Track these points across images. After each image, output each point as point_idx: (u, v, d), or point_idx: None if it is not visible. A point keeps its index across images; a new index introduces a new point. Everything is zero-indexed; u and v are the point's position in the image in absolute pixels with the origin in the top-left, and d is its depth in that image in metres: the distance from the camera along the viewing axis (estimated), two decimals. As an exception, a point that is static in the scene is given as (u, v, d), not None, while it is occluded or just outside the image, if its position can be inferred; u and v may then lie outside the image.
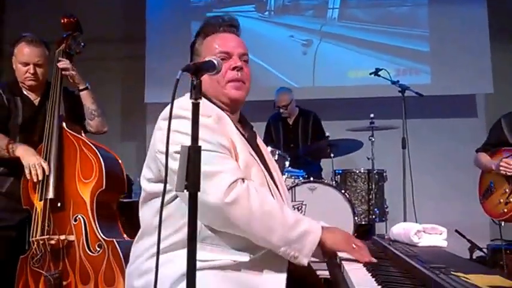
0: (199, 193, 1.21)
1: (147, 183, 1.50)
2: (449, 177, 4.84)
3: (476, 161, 3.09)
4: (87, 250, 2.46)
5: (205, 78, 1.34)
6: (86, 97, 2.66)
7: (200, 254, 1.28)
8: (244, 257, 1.41)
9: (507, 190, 2.84)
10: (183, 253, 1.14)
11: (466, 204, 4.75)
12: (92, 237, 2.48)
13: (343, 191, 3.49)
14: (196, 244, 1.12)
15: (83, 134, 2.66)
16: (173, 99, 1.16)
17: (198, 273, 1.21)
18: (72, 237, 2.48)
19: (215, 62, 1.24)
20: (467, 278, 1.10)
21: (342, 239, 1.45)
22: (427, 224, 1.70)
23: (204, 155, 1.13)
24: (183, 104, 1.33)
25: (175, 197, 1.42)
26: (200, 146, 1.12)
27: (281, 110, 4.27)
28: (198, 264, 1.21)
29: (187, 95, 1.41)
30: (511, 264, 3.72)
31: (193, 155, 1.08)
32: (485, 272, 1.21)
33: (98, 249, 2.46)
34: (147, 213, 1.51)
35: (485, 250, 3.98)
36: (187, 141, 1.12)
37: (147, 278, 1.42)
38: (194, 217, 1.10)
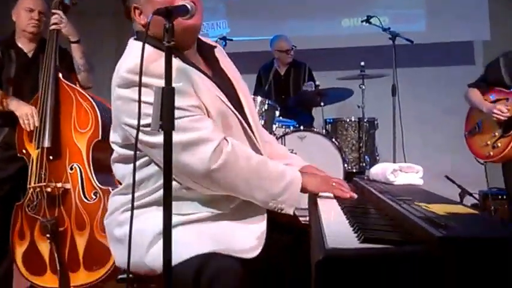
0: (180, 167, 1.28)
1: (117, 147, 1.51)
2: (443, 125, 4.90)
3: (467, 97, 3.06)
4: (83, 198, 2.56)
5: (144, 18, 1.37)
6: (76, 50, 2.72)
7: (178, 209, 1.35)
8: (224, 209, 1.43)
9: (496, 134, 2.86)
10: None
11: (458, 152, 4.85)
12: (87, 185, 2.57)
13: (332, 139, 3.57)
14: (172, 191, 1.15)
15: (77, 85, 2.72)
16: (143, 49, 1.17)
17: (176, 229, 1.29)
18: (68, 185, 2.57)
19: (188, 6, 1.24)
20: (428, 207, 1.18)
21: (321, 181, 1.50)
22: (403, 163, 1.77)
23: (176, 123, 1.14)
24: (131, 67, 1.33)
25: (149, 162, 1.42)
26: (173, 88, 1.15)
27: (287, 55, 4.25)
28: (176, 219, 1.28)
29: (129, 54, 1.42)
30: (500, 209, 3.85)
31: (166, 96, 1.13)
32: (449, 203, 1.29)
33: (94, 197, 2.55)
34: (122, 171, 1.53)
35: (476, 196, 4.10)
36: (149, 110, 1.15)
37: (127, 228, 1.40)
38: (169, 156, 1.14)
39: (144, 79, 1.21)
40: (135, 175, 1.25)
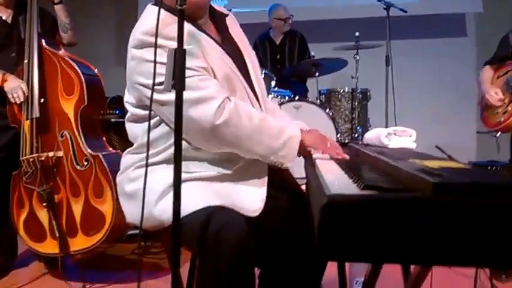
0: (188, 123, 1.32)
1: (131, 107, 1.57)
2: (434, 96, 4.98)
3: (479, 76, 3.10)
4: (75, 165, 2.60)
5: None
6: (60, 10, 2.74)
7: (187, 167, 1.43)
8: (228, 169, 1.52)
9: (506, 101, 2.92)
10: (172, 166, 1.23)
11: (450, 123, 4.94)
12: (78, 152, 2.61)
13: (326, 110, 3.62)
14: (182, 145, 1.21)
15: (61, 49, 2.74)
16: (159, 13, 1.24)
17: (185, 184, 1.34)
18: (60, 153, 2.61)
19: None
20: (422, 163, 1.23)
21: (318, 139, 1.58)
22: (397, 127, 1.82)
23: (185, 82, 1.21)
24: (146, 29, 1.41)
25: (159, 123, 1.49)
26: (185, 50, 1.20)
27: (284, 24, 4.28)
28: (185, 176, 1.33)
29: (145, 17, 1.49)
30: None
31: (178, 57, 1.17)
32: (443, 159, 1.33)
33: (86, 163, 2.59)
34: (134, 131, 1.59)
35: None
36: (162, 70, 1.21)
37: (138, 184, 1.52)
38: (180, 115, 1.19)
39: (158, 41, 1.28)
40: (149, 133, 1.32)
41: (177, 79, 1.18)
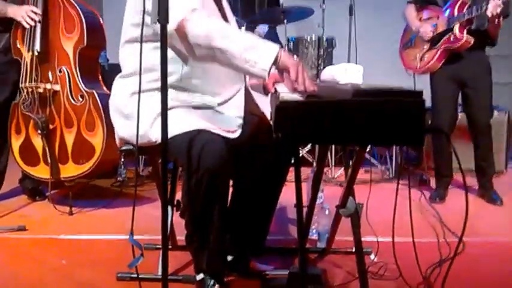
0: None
1: (133, 28, 1.80)
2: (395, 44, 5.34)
3: (403, 14, 3.59)
4: (70, 99, 2.99)
5: None
6: None
7: (177, 96, 1.81)
8: (214, 101, 1.90)
9: (425, 47, 3.38)
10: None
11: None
12: (74, 88, 2.99)
13: (294, 57, 3.97)
14: (167, 76, 1.48)
15: None
16: None
17: (175, 109, 1.74)
18: (57, 87, 3.00)
19: None
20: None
21: (293, 60, 1.67)
22: (347, 64, 2.20)
23: None
24: None
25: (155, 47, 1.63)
26: None
27: None
28: (175, 103, 1.73)
29: None
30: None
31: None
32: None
33: (80, 99, 2.98)
34: (128, 58, 1.89)
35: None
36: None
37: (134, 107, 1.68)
38: (164, 48, 1.51)
39: None
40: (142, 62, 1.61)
41: (162, 14, 1.47)
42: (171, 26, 1.59)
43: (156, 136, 1.79)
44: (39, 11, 2.90)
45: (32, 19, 2.89)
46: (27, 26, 2.91)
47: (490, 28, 3.09)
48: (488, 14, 2.90)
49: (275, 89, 1.84)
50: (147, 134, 1.83)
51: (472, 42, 3.13)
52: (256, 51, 1.64)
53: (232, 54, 1.65)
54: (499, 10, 2.86)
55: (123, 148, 1.97)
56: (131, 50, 1.86)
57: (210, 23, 1.71)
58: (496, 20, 2.98)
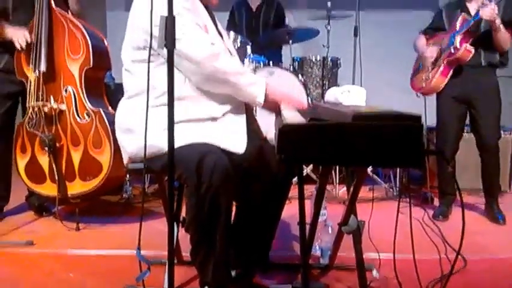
0: (186, 49, 1.77)
1: (135, 51, 1.94)
2: (401, 66, 5.41)
3: (415, 43, 3.68)
4: (77, 118, 3.06)
5: None
6: None
7: (185, 111, 1.88)
8: (218, 113, 1.96)
9: (430, 68, 3.44)
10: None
11: (413, 93, 5.39)
12: (80, 107, 3.06)
13: (299, 76, 4.05)
14: (174, 94, 1.57)
15: (69, 12, 3.14)
16: None
17: (183, 123, 1.82)
18: (63, 107, 3.07)
19: None
20: (357, 107, 1.69)
21: (280, 93, 2.01)
22: (351, 86, 2.26)
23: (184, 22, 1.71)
24: None
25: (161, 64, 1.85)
26: (175, 17, 1.56)
27: None
28: (183, 117, 1.81)
29: None
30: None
31: (169, 22, 1.57)
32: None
33: (86, 117, 3.05)
34: (135, 79, 1.98)
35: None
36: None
37: (141, 121, 1.80)
38: (171, 73, 1.58)
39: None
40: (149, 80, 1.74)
41: (169, 39, 1.56)
42: (201, 55, 1.86)
43: (165, 145, 1.85)
44: (28, 38, 2.96)
45: (23, 41, 2.95)
46: (18, 47, 2.98)
47: (495, 36, 3.15)
48: (485, 17, 3.03)
49: (280, 111, 1.95)
50: (156, 144, 1.85)
51: (473, 51, 3.19)
52: (253, 86, 1.94)
53: (240, 84, 1.94)
54: (491, 13, 3.00)
55: (131, 167, 2.02)
56: (135, 71, 1.97)
57: (228, 61, 1.95)
58: (497, 25, 3.07)
